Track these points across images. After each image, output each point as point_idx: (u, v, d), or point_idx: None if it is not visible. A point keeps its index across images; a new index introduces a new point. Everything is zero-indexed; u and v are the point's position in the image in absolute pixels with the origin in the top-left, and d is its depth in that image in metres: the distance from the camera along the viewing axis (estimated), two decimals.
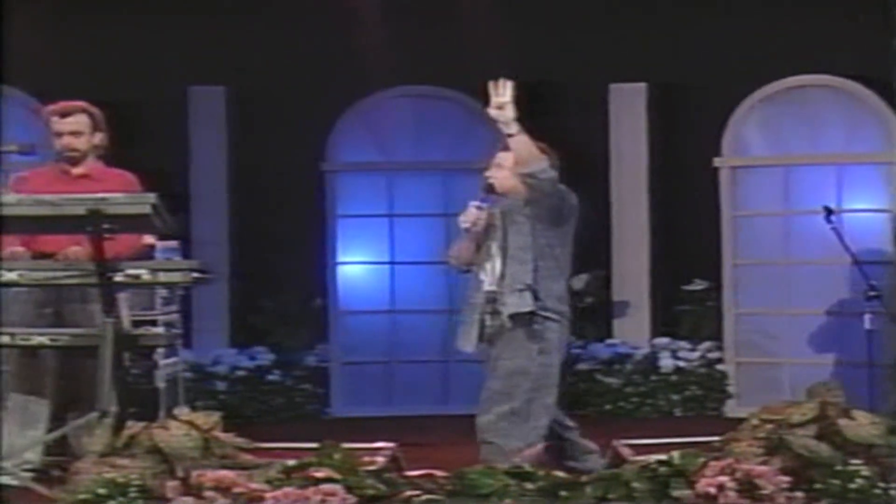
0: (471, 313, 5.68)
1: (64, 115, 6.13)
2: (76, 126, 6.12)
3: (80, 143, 6.13)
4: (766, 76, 8.94)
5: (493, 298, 5.62)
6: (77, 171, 6.13)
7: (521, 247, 5.61)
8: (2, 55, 8.19)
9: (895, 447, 4.82)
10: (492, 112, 5.49)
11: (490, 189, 5.71)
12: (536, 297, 5.55)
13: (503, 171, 5.71)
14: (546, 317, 5.58)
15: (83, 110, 6.16)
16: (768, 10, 8.75)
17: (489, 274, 5.65)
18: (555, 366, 5.61)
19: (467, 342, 5.67)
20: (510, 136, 5.48)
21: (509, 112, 5.44)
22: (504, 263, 5.61)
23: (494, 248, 5.66)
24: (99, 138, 6.18)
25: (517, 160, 5.53)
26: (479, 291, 5.67)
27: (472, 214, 5.68)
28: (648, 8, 9.06)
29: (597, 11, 9.07)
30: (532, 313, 5.55)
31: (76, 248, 5.79)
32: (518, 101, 5.47)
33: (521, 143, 5.46)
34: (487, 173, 5.74)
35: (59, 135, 6.12)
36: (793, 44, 8.72)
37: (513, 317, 5.55)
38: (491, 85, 5.47)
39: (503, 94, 5.45)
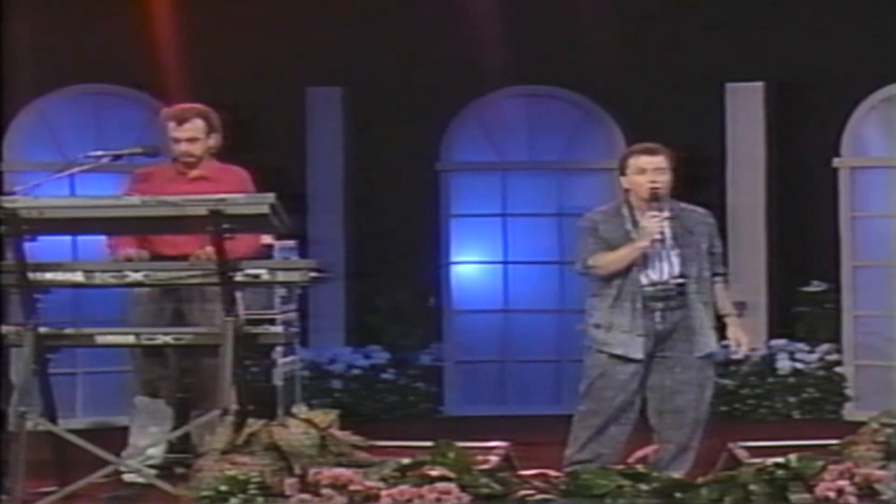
0: (632, 319, 5.67)
1: (181, 121, 6.20)
2: (192, 132, 6.19)
3: (196, 149, 6.21)
4: (887, 76, 8.78)
5: (662, 297, 5.70)
6: (194, 173, 6.21)
7: (705, 253, 5.82)
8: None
9: None
10: None
11: (656, 196, 5.66)
12: None
13: (665, 176, 5.70)
14: None
15: (199, 114, 6.23)
16: (890, 9, 8.59)
17: (656, 273, 5.70)
18: None
19: (637, 349, 5.70)
20: None
21: None
22: (687, 266, 5.75)
23: (664, 251, 5.71)
24: (214, 140, 6.26)
25: None
26: (638, 294, 5.67)
27: (659, 225, 5.66)
28: (767, 6, 8.96)
29: (714, 9, 9.00)
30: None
31: (209, 249, 5.79)
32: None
33: None
34: (653, 179, 5.65)
35: (177, 141, 6.21)
36: None
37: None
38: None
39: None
